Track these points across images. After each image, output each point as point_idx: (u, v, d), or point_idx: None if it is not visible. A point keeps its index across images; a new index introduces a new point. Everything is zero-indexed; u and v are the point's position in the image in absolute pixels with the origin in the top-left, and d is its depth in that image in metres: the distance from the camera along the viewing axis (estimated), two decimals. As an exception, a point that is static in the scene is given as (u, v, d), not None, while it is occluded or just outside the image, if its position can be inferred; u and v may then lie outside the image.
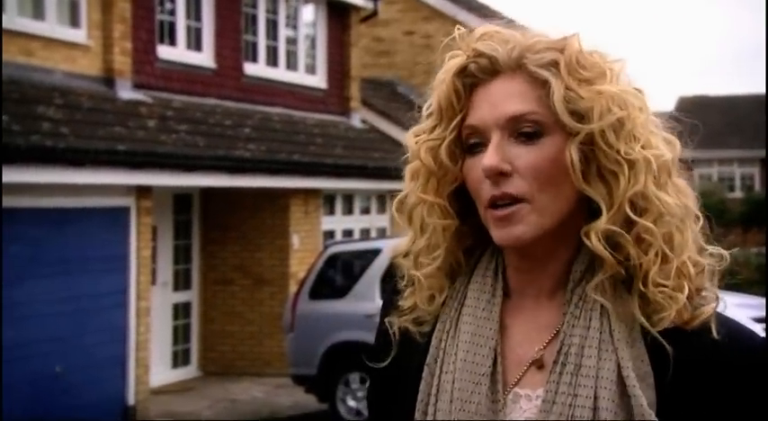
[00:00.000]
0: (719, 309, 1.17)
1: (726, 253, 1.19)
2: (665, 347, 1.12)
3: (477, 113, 1.18)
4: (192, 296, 11.57)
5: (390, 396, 1.25)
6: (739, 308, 8.32)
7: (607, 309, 1.15)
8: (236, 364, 11.45)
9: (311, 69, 13.07)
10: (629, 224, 1.14)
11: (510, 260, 1.21)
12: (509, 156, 1.15)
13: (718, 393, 1.13)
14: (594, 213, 1.16)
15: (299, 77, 12.75)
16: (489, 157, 1.15)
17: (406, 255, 1.24)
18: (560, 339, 1.16)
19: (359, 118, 13.80)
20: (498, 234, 1.16)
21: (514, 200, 1.15)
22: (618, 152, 1.14)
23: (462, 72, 1.19)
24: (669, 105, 1.25)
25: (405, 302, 1.24)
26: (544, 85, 1.16)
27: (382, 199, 13.30)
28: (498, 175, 1.15)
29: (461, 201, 1.21)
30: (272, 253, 11.42)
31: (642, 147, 1.15)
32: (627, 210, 1.14)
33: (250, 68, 11.78)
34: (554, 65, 1.16)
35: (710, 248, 1.19)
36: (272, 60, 12.32)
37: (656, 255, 1.13)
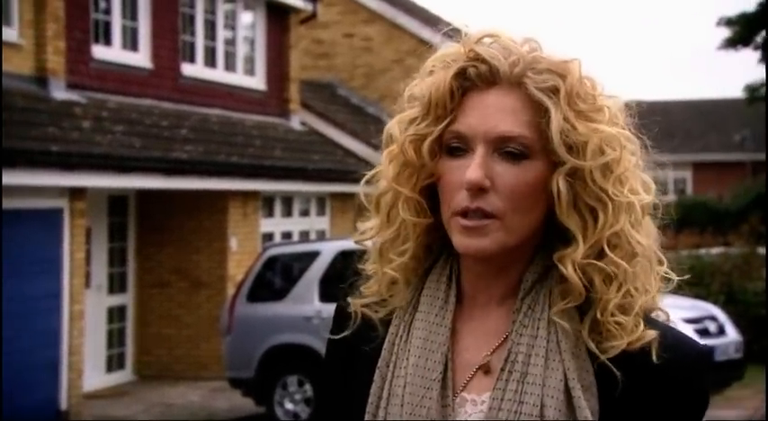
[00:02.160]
0: (664, 321, 1.21)
1: (675, 277, 1.22)
2: (613, 371, 1.14)
3: (467, 121, 1.17)
4: (127, 299, 11.42)
5: (339, 382, 1.26)
6: (672, 309, 8.47)
7: (554, 320, 1.17)
8: (173, 368, 11.34)
9: (250, 71, 12.99)
10: (599, 256, 1.16)
11: (465, 265, 1.22)
12: (491, 172, 1.16)
13: (658, 406, 1.16)
14: (554, 235, 1.18)
15: (238, 79, 12.67)
16: (474, 171, 1.15)
17: (369, 240, 1.24)
18: (508, 346, 1.17)
19: (298, 120, 13.76)
20: (461, 242, 1.16)
21: (486, 215, 1.16)
22: (603, 191, 1.15)
23: (461, 74, 1.18)
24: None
25: (367, 288, 1.26)
26: (541, 109, 1.16)
27: (322, 201, 13.28)
28: (478, 190, 1.15)
29: (429, 196, 1.21)
30: (209, 255, 11.33)
31: (628, 191, 1.16)
32: (603, 246, 1.15)
33: (187, 69, 11.68)
34: (554, 91, 1.16)
35: (663, 272, 1.22)
36: (211, 61, 12.23)
37: (620, 289, 1.15)
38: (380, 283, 1.25)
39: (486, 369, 1.18)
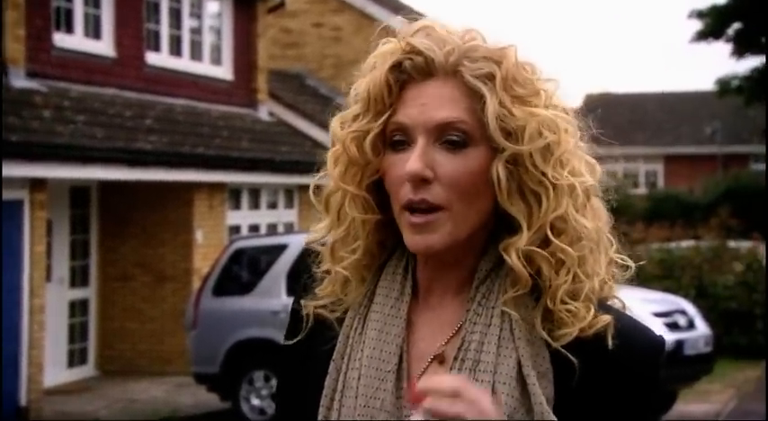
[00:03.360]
0: (619, 309, 1.21)
1: (632, 264, 1.23)
2: (569, 358, 1.15)
3: (406, 112, 1.18)
4: (89, 293, 11.33)
5: (297, 383, 1.27)
6: (641, 302, 8.56)
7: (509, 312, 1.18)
8: (136, 363, 11.27)
9: (216, 60, 12.91)
10: (545, 243, 1.17)
11: (420, 258, 1.23)
12: (432, 162, 1.17)
13: (612, 393, 1.17)
14: (504, 224, 1.19)
15: (204, 68, 12.60)
16: (413, 163, 1.16)
17: (322, 243, 1.26)
18: (461, 336, 1.19)
19: (266, 110, 13.71)
20: (412, 240, 1.18)
21: (431, 207, 1.17)
22: (544, 175, 1.17)
23: (397, 67, 1.20)
24: (576, 102, 1.27)
25: (321, 289, 1.26)
26: (477, 96, 1.17)
27: (290, 193, 13.25)
28: (420, 181, 1.16)
29: (379, 193, 1.22)
30: (174, 248, 11.27)
31: (568, 173, 1.17)
32: (547, 232, 1.17)
33: (152, 58, 11.58)
34: (490, 78, 1.17)
35: (618, 258, 1.23)
36: (176, 50, 12.13)
37: (568, 275, 1.16)
38: (334, 283, 1.25)
39: (440, 359, 1.20)
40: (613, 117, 27.51)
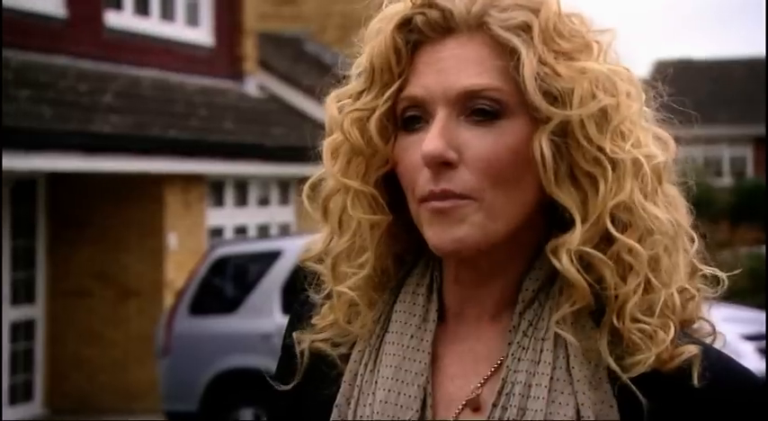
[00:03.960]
0: (717, 345, 1.19)
1: (723, 275, 1.20)
2: (637, 396, 1.12)
3: (420, 81, 1.16)
4: (36, 312, 11.37)
5: None
6: (727, 322, 8.49)
7: (565, 339, 1.15)
8: (94, 399, 11.30)
9: (193, 20, 12.96)
10: (606, 242, 1.14)
11: (448, 272, 1.21)
12: (457, 141, 1.14)
13: None
14: (559, 221, 1.16)
15: (178, 31, 12.63)
16: (431, 141, 1.13)
17: (320, 258, 1.24)
18: (502, 375, 1.16)
19: (255, 83, 13.77)
20: (434, 234, 1.14)
21: (457, 198, 1.14)
22: (600, 150, 1.13)
23: (405, 25, 1.17)
24: (644, 71, 1.22)
25: (320, 318, 1.24)
26: (510, 53, 1.14)
27: (285, 186, 13.28)
28: (441, 165, 1.13)
29: (392, 190, 1.20)
30: (141, 256, 11.30)
31: (632, 146, 1.14)
32: (607, 224, 1.13)
33: (113, 19, 11.63)
34: (525, 29, 1.15)
35: (707, 269, 1.20)
36: (142, 8, 12.18)
37: (639, 283, 1.13)
38: (337, 309, 1.23)
39: (475, 406, 1.17)
40: (691, 89, 27.42)
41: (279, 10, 16.48)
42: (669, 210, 1.16)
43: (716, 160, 29.52)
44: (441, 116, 1.14)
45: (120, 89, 11.17)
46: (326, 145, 1.22)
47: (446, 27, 1.17)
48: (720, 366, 1.16)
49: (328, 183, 1.22)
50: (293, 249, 9.19)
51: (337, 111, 1.21)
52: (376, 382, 1.19)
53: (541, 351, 1.15)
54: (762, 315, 9.73)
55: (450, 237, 1.14)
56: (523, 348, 1.15)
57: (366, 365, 1.21)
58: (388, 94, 1.18)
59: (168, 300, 10.73)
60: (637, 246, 1.13)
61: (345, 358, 1.23)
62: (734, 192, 22.40)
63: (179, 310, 9.38)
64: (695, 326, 1.19)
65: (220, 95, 12.88)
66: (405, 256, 1.24)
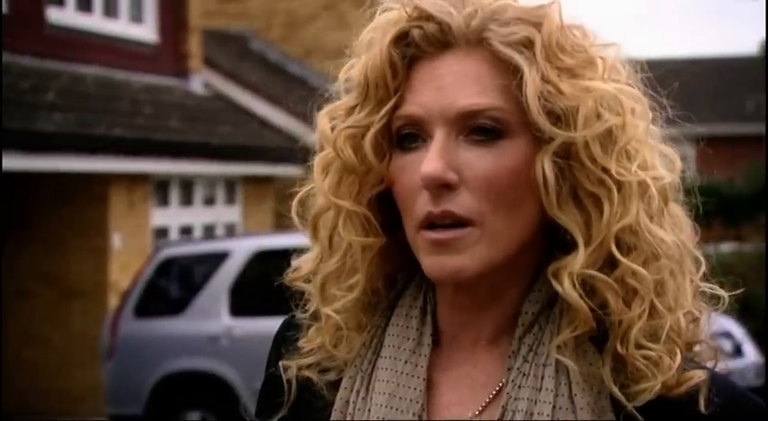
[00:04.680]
0: (719, 367, 1.16)
1: (725, 295, 1.18)
2: None
3: (417, 99, 1.13)
4: (-24, 314, 11.20)
5: None
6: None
7: (566, 366, 1.12)
8: (36, 402, 11.16)
9: (137, 17, 12.85)
10: (610, 265, 1.10)
11: (443, 295, 1.18)
12: (456, 161, 1.11)
13: None
14: (560, 241, 1.13)
15: (121, 27, 12.53)
16: (431, 163, 1.10)
17: (308, 278, 1.21)
18: (502, 402, 1.13)
19: (200, 81, 13.70)
20: (432, 264, 1.12)
21: (458, 221, 1.11)
22: (605, 171, 1.10)
23: (402, 39, 1.15)
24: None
25: (307, 342, 1.21)
26: (512, 70, 1.12)
27: (231, 186, 13.24)
28: (440, 187, 1.10)
29: (384, 208, 1.18)
30: (84, 256, 11.19)
31: (638, 168, 1.11)
32: (611, 248, 1.10)
33: (55, 15, 11.50)
34: (527, 45, 1.12)
35: (707, 288, 1.18)
36: (85, 5, 12.05)
37: (644, 308, 1.10)
38: (324, 332, 1.19)
39: None
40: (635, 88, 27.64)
41: (224, 7, 16.38)
42: (675, 232, 1.14)
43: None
44: (439, 136, 1.11)
45: (62, 87, 11.05)
46: (317, 160, 1.19)
47: (444, 42, 1.13)
48: (727, 392, 1.14)
49: (318, 200, 1.19)
50: (241, 250, 9.20)
51: (329, 126, 1.17)
52: (369, 410, 1.16)
53: (543, 377, 1.12)
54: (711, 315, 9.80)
55: (450, 267, 1.11)
56: (524, 374, 1.13)
57: (358, 392, 1.17)
58: (383, 111, 1.14)
59: (112, 301, 10.66)
60: (642, 270, 1.10)
61: (333, 386, 1.19)
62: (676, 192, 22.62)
63: (124, 312, 9.34)
64: (696, 348, 1.16)
65: (165, 93, 12.79)
66: (395, 275, 1.20)
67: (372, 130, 1.14)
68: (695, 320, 1.15)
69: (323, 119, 1.19)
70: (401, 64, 1.14)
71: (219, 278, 9.06)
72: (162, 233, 12.01)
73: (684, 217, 1.17)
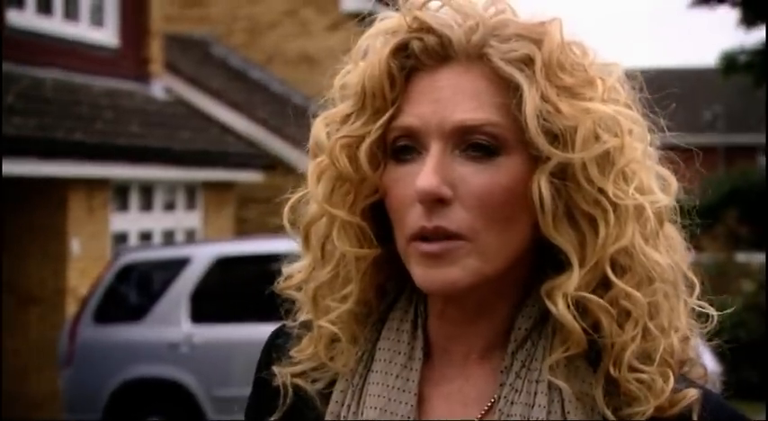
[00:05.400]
0: (709, 385, 1.17)
1: (714, 313, 1.18)
2: None
3: (414, 111, 1.13)
4: (-68, 319, 11.07)
5: None
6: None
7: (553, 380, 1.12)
8: (-7, 409, 11.03)
9: (98, 21, 12.77)
10: (604, 286, 1.10)
11: (434, 307, 1.17)
12: (452, 176, 1.11)
13: None
14: (552, 259, 1.13)
15: (82, 31, 12.43)
16: (426, 177, 1.10)
17: (299, 286, 1.20)
18: (494, 418, 1.13)
19: (161, 86, 13.61)
20: (423, 276, 1.12)
21: (450, 236, 1.11)
22: (602, 192, 1.10)
23: (401, 50, 1.14)
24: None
25: (299, 351, 1.20)
26: (511, 87, 1.11)
27: (191, 191, 13.18)
28: (434, 202, 1.10)
29: (377, 220, 1.17)
30: (42, 262, 11.07)
31: (635, 190, 1.11)
32: (606, 270, 1.10)
33: (14, 17, 11.38)
34: (527, 62, 1.11)
35: (698, 305, 1.18)
36: (45, 7, 11.94)
37: (636, 329, 1.10)
38: (317, 342, 1.18)
39: None
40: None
41: (185, 12, 16.30)
42: (670, 254, 1.14)
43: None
44: (435, 150, 1.11)
45: (22, 90, 10.94)
46: (312, 167, 1.18)
47: (444, 55, 1.13)
48: (719, 411, 1.14)
49: (311, 208, 1.18)
50: (201, 257, 9.16)
51: (324, 133, 1.17)
52: None
53: (536, 394, 1.11)
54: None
55: (441, 279, 1.11)
56: (516, 391, 1.12)
57: (349, 407, 1.17)
58: (380, 122, 1.14)
59: (71, 306, 10.56)
60: (636, 293, 1.10)
61: (323, 396, 1.19)
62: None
63: (83, 318, 9.27)
64: (686, 368, 1.17)
65: (126, 98, 12.70)
66: (387, 286, 1.19)
67: (368, 140, 1.14)
68: (685, 339, 1.16)
69: (318, 126, 1.18)
70: (399, 75, 1.14)
71: (180, 284, 9.01)
72: (121, 238, 11.91)
73: (679, 238, 1.17)
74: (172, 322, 8.94)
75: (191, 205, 13.25)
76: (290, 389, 1.19)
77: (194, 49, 15.65)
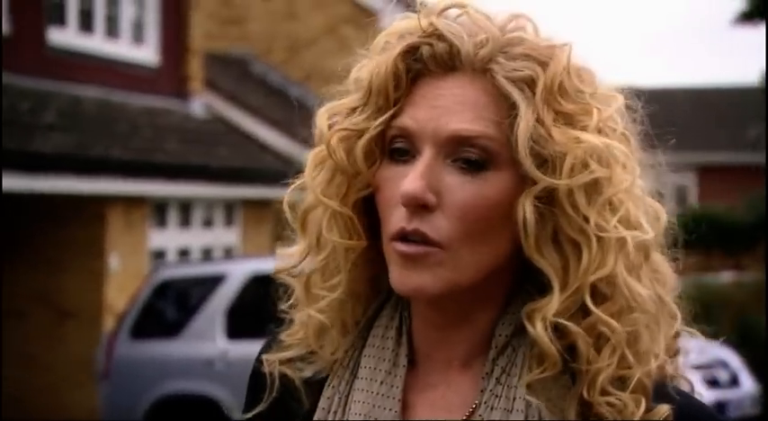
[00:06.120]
0: (697, 399, 1.18)
1: (700, 335, 1.20)
2: None
3: (414, 113, 1.15)
4: (-28, 334, 11.17)
5: None
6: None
7: (537, 387, 1.14)
8: (31, 424, 11.09)
9: (138, 38, 12.87)
10: (584, 312, 1.11)
11: (417, 310, 1.20)
12: (438, 184, 1.13)
13: None
14: (532, 270, 1.14)
15: (122, 49, 12.54)
16: (412, 182, 1.12)
17: (294, 272, 1.22)
18: None
19: (200, 104, 13.71)
20: (398, 277, 1.14)
21: (428, 242, 1.13)
22: (586, 221, 1.11)
23: (411, 53, 1.17)
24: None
25: (289, 335, 1.23)
26: (509, 105, 1.13)
27: (230, 208, 13.23)
28: (418, 207, 1.13)
29: (370, 213, 1.19)
30: (81, 277, 11.16)
31: (621, 221, 1.12)
32: (585, 297, 1.11)
33: (55, 36, 11.50)
34: (530, 83, 1.13)
35: (686, 330, 1.19)
36: (86, 25, 12.06)
37: (613, 357, 1.11)
38: (307, 327, 1.21)
39: None
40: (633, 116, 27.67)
41: (225, 30, 16.42)
42: (654, 285, 1.15)
43: (659, 188, 29.81)
44: (426, 156, 1.13)
45: (61, 108, 11.05)
46: (311, 156, 1.20)
47: (450, 64, 1.15)
48: (698, 417, 1.15)
49: (308, 196, 1.20)
50: (237, 273, 9.19)
51: (327, 123, 1.19)
52: None
53: (514, 399, 1.13)
54: (705, 345, 9.77)
55: (413, 283, 1.13)
56: (496, 396, 1.14)
57: (335, 413, 1.18)
58: (381, 119, 1.16)
59: (108, 322, 10.62)
60: (613, 322, 1.11)
61: (308, 385, 1.21)
62: (678, 220, 22.62)
63: (120, 334, 9.33)
64: (672, 383, 1.18)
65: (165, 115, 12.79)
66: (377, 281, 1.21)
67: (367, 136, 1.16)
68: (675, 355, 1.17)
69: (322, 116, 1.20)
70: (406, 77, 1.16)
71: (215, 301, 9.07)
72: (159, 255, 11.97)
73: (668, 268, 1.18)
74: (207, 338, 8.99)
75: (229, 222, 13.30)
76: (277, 380, 1.21)
77: (233, 67, 15.76)
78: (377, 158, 1.17)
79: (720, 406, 8.67)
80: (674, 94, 32.59)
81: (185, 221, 12.67)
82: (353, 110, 1.18)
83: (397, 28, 1.19)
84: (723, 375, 9.09)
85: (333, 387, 1.20)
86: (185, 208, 12.63)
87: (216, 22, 15.97)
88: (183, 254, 12.44)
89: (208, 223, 13.01)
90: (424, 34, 1.16)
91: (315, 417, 1.19)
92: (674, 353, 1.18)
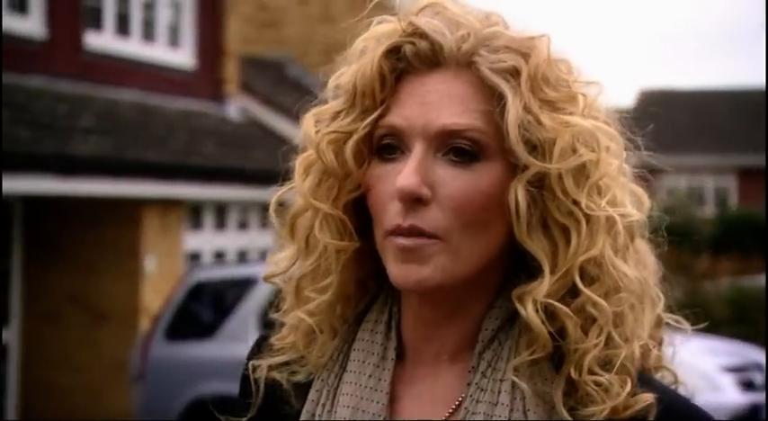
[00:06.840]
0: (680, 393, 1.22)
1: (689, 327, 1.23)
2: None
3: (402, 112, 1.17)
4: (10, 335, 11.27)
5: None
6: (707, 354, 8.49)
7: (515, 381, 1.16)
8: (68, 425, 11.17)
9: (174, 42, 12.95)
10: (572, 294, 1.14)
11: (408, 307, 1.21)
12: (432, 178, 1.15)
13: None
14: (525, 264, 1.17)
15: (158, 53, 12.62)
16: (407, 177, 1.14)
17: (284, 277, 1.24)
18: (459, 417, 1.16)
19: (236, 106, 13.76)
20: (398, 272, 1.15)
21: (424, 235, 1.15)
22: (576, 203, 1.15)
23: (394, 53, 1.19)
24: (628, 100, 1.24)
25: (279, 339, 1.24)
26: (496, 96, 1.15)
27: (265, 211, 13.14)
28: (413, 201, 1.14)
29: (359, 214, 1.21)
30: (117, 279, 11.23)
31: (608, 203, 1.15)
32: (575, 278, 1.14)
33: (92, 39, 11.60)
34: (514, 74, 1.16)
35: (671, 319, 1.23)
36: (123, 29, 12.15)
37: (600, 336, 1.14)
38: (296, 331, 1.22)
39: None
40: (674, 119, 27.52)
41: (261, 33, 16.49)
42: (638, 268, 1.18)
43: (699, 190, 29.65)
44: (418, 151, 1.15)
45: (98, 111, 11.13)
46: (299, 161, 1.22)
47: (434, 61, 1.18)
48: (683, 412, 1.16)
49: (297, 201, 1.23)
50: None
51: (313, 128, 1.21)
52: None
53: (499, 392, 1.15)
54: (741, 347, 9.72)
55: (415, 276, 1.14)
56: (482, 390, 1.16)
57: (324, 406, 1.20)
58: (368, 120, 1.18)
59: (144, 324, 10.67)
60: (602, 301, 1.13)
61: (298, 388, 1.22)
62: (716, 223, 22.48)
63: (155, 335, 9.38)
64: (658, 375, 1.22)
65: (201, 118, 12.86)
66: (366, 282, 1.23)
67: (355, 137, 1.18)
68: (659, 346, 1.21)
69: (308, 120, 1.22)
70: (390, 76, 1.18)
71: (250, 302, 9.07)
72: (195, 257, 12.04)
73: (649, 253, 1.23)
74: (242, 339, 8.97)
75: (264, 224, 13.33)
76: (262, 386, 1.23)
77: (269, 70, 15.81)
78: (365, 159, 1.19)
79: (755, 408, 8.59)
80: (715, 97, 32.32)
81: (221, 224, 12.73)
82: (339, 113, 1.20)
83: (374, 32, 1.21)
84: (758, 378, 9.01)
85: (322, 380, 1.22)
86: (221, 210, 12.69)
87: (252, 26, 16.05)
88: (219, 256, 12.51)
89: (243, 225, 13.06)
90: (404, 34, 1.18)
91: (304, 408, 1.20)
92: (658, 342, 1.20)
